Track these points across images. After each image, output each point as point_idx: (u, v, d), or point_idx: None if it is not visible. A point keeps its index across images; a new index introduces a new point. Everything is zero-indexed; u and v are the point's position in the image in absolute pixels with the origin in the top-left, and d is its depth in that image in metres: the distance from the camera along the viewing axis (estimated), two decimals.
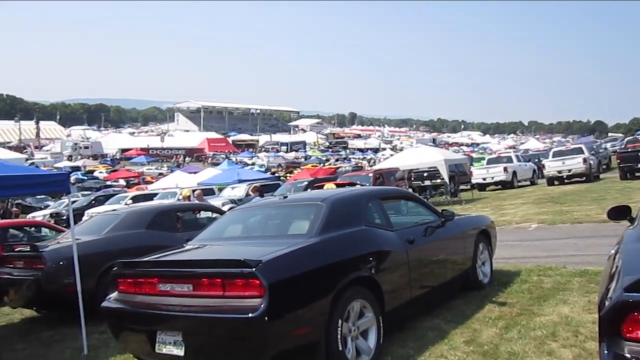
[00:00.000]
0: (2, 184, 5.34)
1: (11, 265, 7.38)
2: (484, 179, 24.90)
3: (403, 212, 6.50)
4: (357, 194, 5.57)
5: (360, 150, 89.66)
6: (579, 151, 22.53)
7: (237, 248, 4.83)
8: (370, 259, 4.58)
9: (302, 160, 67.89)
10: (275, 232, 5.14)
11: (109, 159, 70.62)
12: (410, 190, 16.37)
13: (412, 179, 22.63)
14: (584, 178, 22.07)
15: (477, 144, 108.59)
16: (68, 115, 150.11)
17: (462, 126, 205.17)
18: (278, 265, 3.85)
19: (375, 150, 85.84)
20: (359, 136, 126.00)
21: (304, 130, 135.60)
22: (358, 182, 16.25)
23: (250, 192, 13.79)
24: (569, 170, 21.99)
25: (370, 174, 20.28)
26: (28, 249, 7.32)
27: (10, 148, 61.47)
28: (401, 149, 66.86)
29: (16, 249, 7.60)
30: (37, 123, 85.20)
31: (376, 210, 5.29)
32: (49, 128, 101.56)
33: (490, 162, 26.44)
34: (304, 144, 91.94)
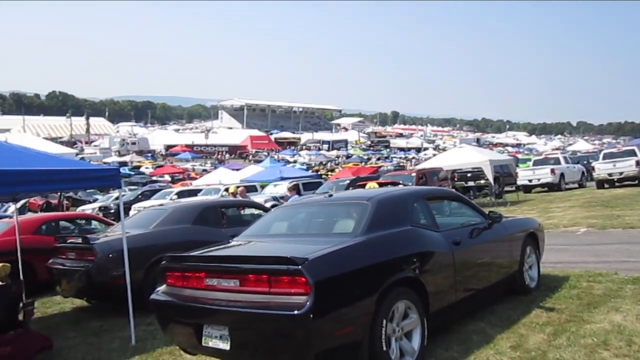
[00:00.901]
0: (60, 177, 5.54)
1: (64, 256, 7.68)
2: (530, 181, 24.28)
3: (449, 213, 6.39)
4: (403, 193, 5.51)
5: (402, 149, 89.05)
6: (632, 153, 21.68)
7: (283, 245, 4.86)
8: (415, 259, 4.53)
9: (344, 158, 67.89)
10: (321, 230, 5.14)
11: (149, 155, 72.21)
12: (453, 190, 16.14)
13: (456, 179, 22.28)
14: (636, 181, 21.27)
15: (523, 145, 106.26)
16: (116, 112, 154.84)
17: (507, 126, 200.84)
18: (324, 264, 3.85)
19: (418, 150, 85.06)
20: (401, 135, 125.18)
21: (346, 129, 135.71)
22: (401, 182, 16.13)
23: (287, 192, 13.73)
24: (620, 173, 21.21)
25: (413, 174, 20.11)
26: (80, 240, 7.58)
27: (61, 143, 63.60)
28: (444, 149, 65.99)
29: (68, 241, 7.87)
30: (87, 119, 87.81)
31: (422, 211, 5.22)
32: (98, 124, 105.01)
33: (536, 163, 25.70)
34: (345, 142, 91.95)
